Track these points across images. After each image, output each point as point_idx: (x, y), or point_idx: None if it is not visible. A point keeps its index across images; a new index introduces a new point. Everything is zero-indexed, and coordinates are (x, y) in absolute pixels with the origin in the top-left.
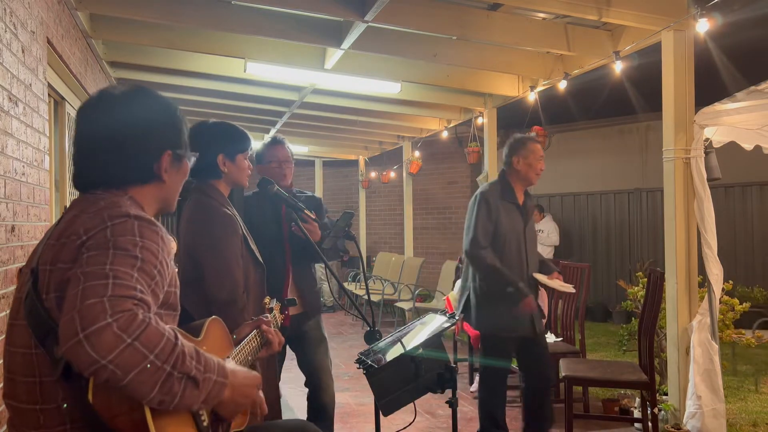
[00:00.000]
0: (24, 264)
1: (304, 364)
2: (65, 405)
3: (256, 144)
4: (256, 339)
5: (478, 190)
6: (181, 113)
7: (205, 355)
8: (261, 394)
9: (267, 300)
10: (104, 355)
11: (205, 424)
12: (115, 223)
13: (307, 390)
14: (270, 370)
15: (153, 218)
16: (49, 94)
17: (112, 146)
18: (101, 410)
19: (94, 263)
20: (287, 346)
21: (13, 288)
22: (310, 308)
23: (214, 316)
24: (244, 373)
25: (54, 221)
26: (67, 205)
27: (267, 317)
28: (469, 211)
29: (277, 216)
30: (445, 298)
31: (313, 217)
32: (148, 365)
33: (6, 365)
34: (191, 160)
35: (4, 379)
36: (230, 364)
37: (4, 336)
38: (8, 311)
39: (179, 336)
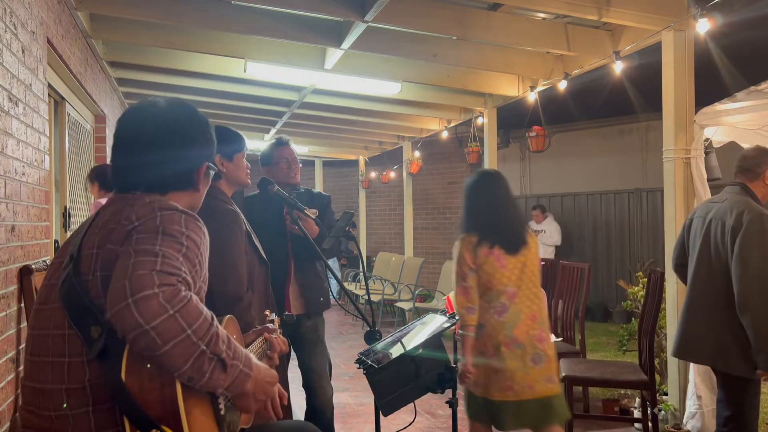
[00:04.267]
0: (56, 256)
1: (300, 366)
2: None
3: (255, 144)
4: (261, 347)
5: (756, 211)
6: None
7: (235, 344)
8: (279, 389)
9: (268, 313)
10: (149, 320)
11: (222, 413)
12: (164, 213)
13: (300, 393)
14: (281, 368)
15: (197, 215)
16: (49, 94)
17: (158, 151)
18: (133, 388)
19: (144, 243)
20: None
21: (13, 288)
22: (310, 308)
23: (230, 315)
24: (266, 369)
25: (54, 221)
26: (68, 205)
27: (271, 327)
28: (753, 233)
29: (280, 215)
30: (445, 297)
31: (313, 216)
32: (185, 338)
33: (30, 349)
34: (212, 173)
35: (27, 362)
36: (254, 358)
37: (20, 325)
38: (17, 306)
39: (215, 318)
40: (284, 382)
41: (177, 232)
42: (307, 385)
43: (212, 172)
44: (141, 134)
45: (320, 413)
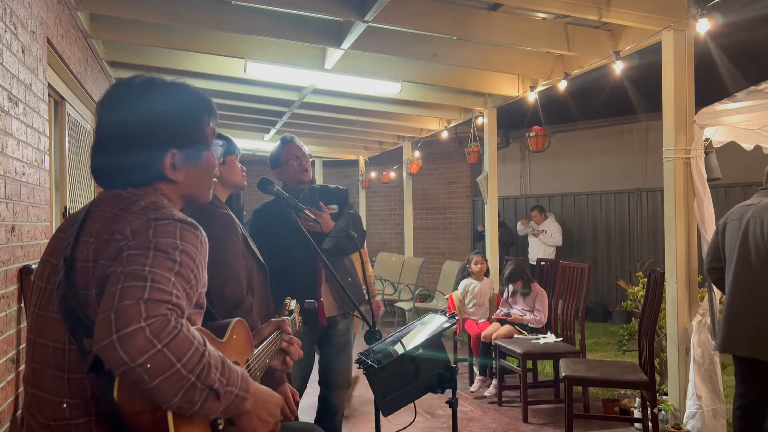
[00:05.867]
0: (47, 253)
1: (322, 364)
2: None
3: (255, 144)
4: (276, 342)
5: None
6: (198, 102)
7: (230, 368)
8: (290, 387)
9: (287, 301)
10: (134, 358)
11: (221, 428)
12: (159, 224)
13: (311, 391)
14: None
15: (195, 222)
16: (49, 94)
17: (119, 145)
18: (124, 406)
19: (134, 263)
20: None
21: (13, 288)
22: (346, 307)
23: (238, 318)
24: (268, 393)
25: (54, 221)
26: (68, 205)
27: (287, 319)
28: None
29: (294, 218)
30: (447, 296)
31: (313, 217)
32: (174, 373)
33: (31, 355)
34: (218, 150)
35: (29, 368)
36: (252, 382)
37: (20, 325)
38: (17, 306)
39: (208, 345)
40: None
41: (170, 247)
42: (326, 384)
43: (205, 152)
44: (106, 126)
45: (333, 414)
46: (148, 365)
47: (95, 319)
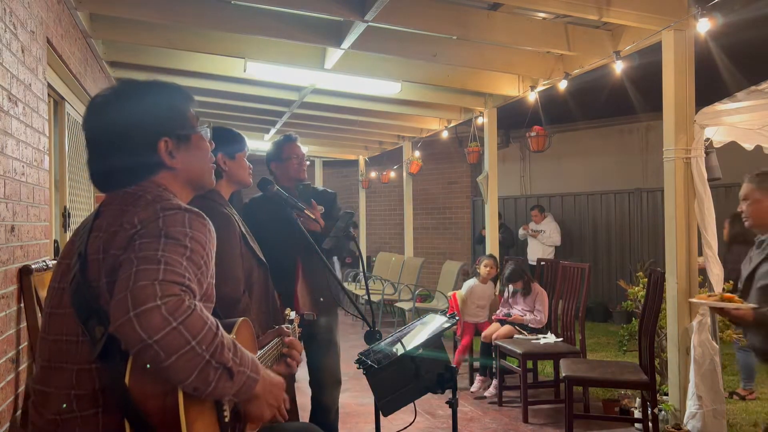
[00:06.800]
0: (61, 256)
1: (310, 364)
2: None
3: (255, 144)
4: (278, 348)
5: None
6: (174, 91)
7: (241, 350)
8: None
9: (288, 312)
10: (151, 334)
11: (226, 420)
12: (167, 214)
13: (310, 391)
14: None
15: (200, 211)
16: (48, 94)
17: (110, 150)
18: (135, 392)
19: (146, 249)
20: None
21: (13, 288)
22: (320, 308)
23: (244, 318)
24: (274, 376)
25: (54, 221)
26: (68, 205)
27: (288, 327)
28: None
29: (287, 216)
30: (451, 294)
31: (313, 217)
32: (190, 350)
33: (42, 354)
34: (207, 132)
35: (38, 368)
36: (263, 368)
37: (20, 325)
38: (17, 306)
39: (220, 326)
40: (290, 383)
41: (180, 234)
42: (316, 384)
43: (194, 135)
44: (93, 135)
45: (326, 412)
46: (164, 342)
47: (107, 307)
